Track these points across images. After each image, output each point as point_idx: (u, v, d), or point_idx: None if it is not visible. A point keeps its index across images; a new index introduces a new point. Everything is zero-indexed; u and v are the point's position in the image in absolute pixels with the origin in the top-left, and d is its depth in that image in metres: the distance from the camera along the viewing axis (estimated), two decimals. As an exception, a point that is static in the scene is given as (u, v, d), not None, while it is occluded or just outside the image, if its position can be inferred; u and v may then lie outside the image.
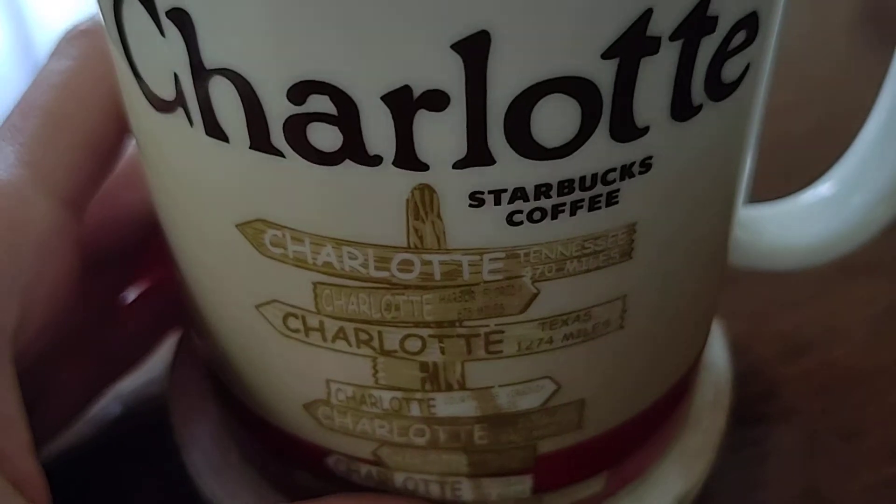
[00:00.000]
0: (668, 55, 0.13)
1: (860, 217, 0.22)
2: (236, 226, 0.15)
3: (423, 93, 0.12)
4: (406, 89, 0.12)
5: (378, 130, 0.13)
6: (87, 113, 0.19)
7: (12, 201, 0.18)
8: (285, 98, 0.13)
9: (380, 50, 0.12)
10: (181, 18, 0.13)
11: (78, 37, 0.20)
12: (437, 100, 0.13)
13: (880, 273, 0.28)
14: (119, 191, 0.21)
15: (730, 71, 0.14)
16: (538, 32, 0.12)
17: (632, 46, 0.13)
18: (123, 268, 0.23)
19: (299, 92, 0.13)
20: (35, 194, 0.18)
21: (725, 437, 0.23)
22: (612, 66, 0.13)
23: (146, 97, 0.15)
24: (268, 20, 0.12)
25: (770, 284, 0.27)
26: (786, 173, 0.25)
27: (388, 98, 0.13)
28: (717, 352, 0.25)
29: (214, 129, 0.14)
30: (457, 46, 0.12)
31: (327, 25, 0.12)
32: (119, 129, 0.19)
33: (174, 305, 0.24)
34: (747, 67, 0.15)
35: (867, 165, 0.22)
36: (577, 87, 0.13)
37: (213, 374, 0.21)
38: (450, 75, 0.12)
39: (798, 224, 0.23)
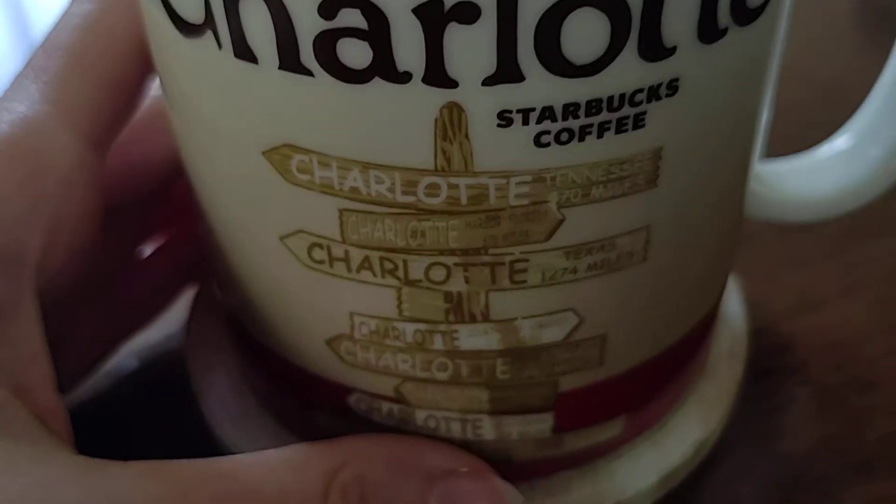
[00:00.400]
0: (693, -12, 0.13)
1: (876, 169, 0.22)
2: (262, 153, 0.15)
3: (454, 5, 0.13)
4: (437, 2, 0.13)
5: (408, 45, 0.13)
6: (110, 52, 0.19)
7: (35, 136, 0.18)
8: (316, 13, 0.13)
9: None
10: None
11: None
12: (467, 12, 0.13)
13: (893, 232, 0.28)
14: (139, 138, 0.21)
15: (755, -4, 0.14)
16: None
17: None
18: (142, 218, 0.24)
19: (330, 6, 0.13)
20: (58, 130, 0.18)
21: (741, 387, 0.23)
22: (641, -15, 0.13)
23: (173, 22, 0.15)
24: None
25: (785, 243, 0.28)
26: (801, 130, 0.25)
27: (419, 10, 0.13)
28: (734, 306, 0.25)
29: (244, 51, 0.14)
30: (489, -45, 0.12)
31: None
32: (142, 69, 0.19)
33: (192, 260, 0.24)
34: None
35: (882, 118, 0.22)
36: (606, 1, 0.13)
37: (232, 323, 0.21)
38: (482, -12, 0.12)
39: (814, 177, 0.23)
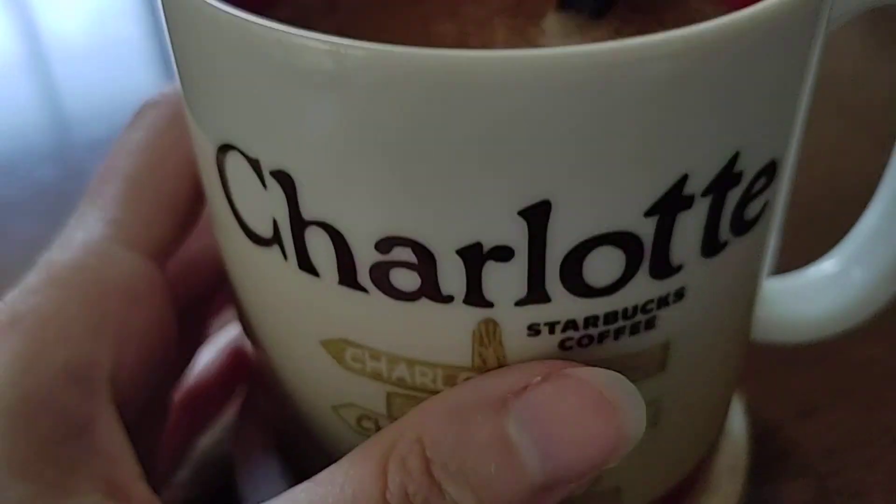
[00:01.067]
0: (700, 208, 0.15)
1: (864, 293, 0.24)
2: (320, 342, 0.17)
3: (492, 248, 0.15)
4: (477, 245, 0.15)
5: (452, 276, 0.15)
6: (162, 174, 0.21)
7: (96, 257, 0.19)
8: (373, 248, 0.15)
9: (457, 215, 0.14)
10: (284, 178, 0.15)
11: (148, 109, 0.22)
12: (503, 253, 0.15)
13: (886, 335, 0.30)
14: (200, 238, 0.22)
15: (752, 210, 0.16)
16: (591, 200, 0.14)
17: (670, 205, 0.15)
18: (200, 320, 0.25)
19: (385, 244, 0.15)
20: (117, 249, 0.20)
21: (742, 498, 0.25)
22: (652, 221, 0.15)
23: (243, 231, 0.17)
24: (363, 187, 0.15)
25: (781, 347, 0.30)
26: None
27: (461, 252, 0.15)
28: (736, 418, 0.27)
29: (307, 266, 0.16)
30: (522, 213, 0.14)
31: (414, 194, 0.14)
32: (195, 189, 0.20)
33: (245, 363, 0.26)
34: (766, 204, 0.17)
35: (869, 245, 0.24)
36: (622, 240, 0.15)
37: (277, 434, 0.23)
38: (515, 235, 0.14)
39: (805, 299, 0.25)
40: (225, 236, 0.18)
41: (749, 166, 0.15)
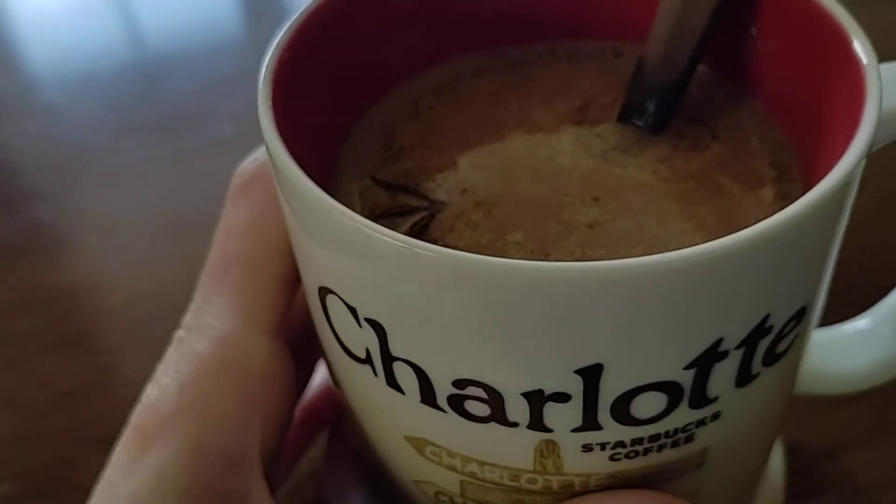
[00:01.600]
0: (734, 357, 0.18)
1: (893, 351, 0.26)
2: (404, 436, 0.20)
3: (552, 393, 0.17)
4: (539, 391, 0.17)
5: (517, 410, 0.18)
6: (275, 255, 0.23)
7: (235, 349, 0.22)
8: (450, 384, 0.18)
9: (522, 371, 0.17)
10: (376, 325, 0.18)
11: (249, 185, 0.24)
12: (561, 397, 0.17)
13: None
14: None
15: (782, 346, 0.19)
16: (636, 363, 0.17)
17: (707, 359, 0.17)
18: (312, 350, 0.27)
19: (461, 384, 0.18)
20: (251, 337, 0.22)
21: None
22: (691, 372, 0.17)
23: (341, 347, 0.20)
24: (443, 346, 0.17)
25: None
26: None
27: (525, 394, 0.17)
28: (775, 459, 0.29)
29: (394, 385, 0.19)
30: (578, 371, 0.17)
31: (485, 355, 0.17)
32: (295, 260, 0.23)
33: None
34: (797, 336, 0.19)
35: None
36: (664, 386, 0.17)
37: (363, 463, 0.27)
38: (572, 386, 0.17)
39: (842, 353, 0.27)
40: (324, 340, 0.21)
41: (779, 319, 0.18)
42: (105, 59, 0.51)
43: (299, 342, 0.25)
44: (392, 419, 0.20)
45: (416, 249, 0.16)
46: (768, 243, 0.16)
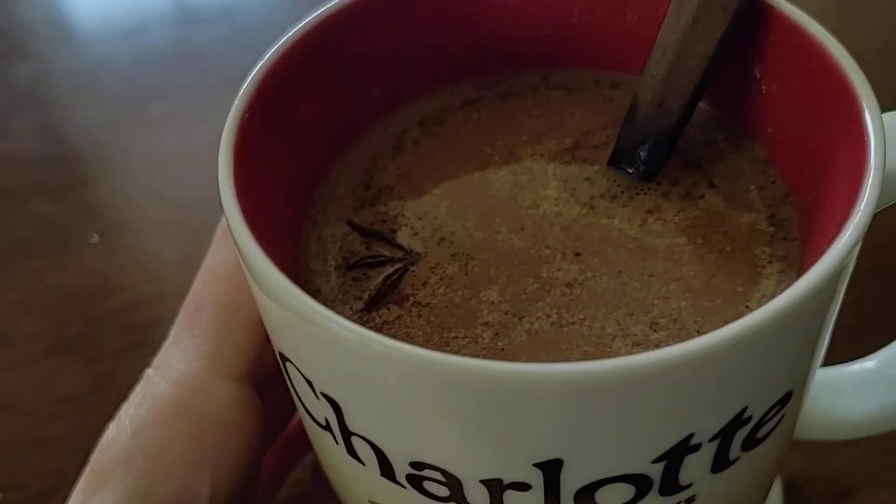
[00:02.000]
0: (708, 448, 0.16)
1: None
2: (368, 500, 0.20)
3: (512, 482, 0.16)
4: (498, 480, 0.16)
5: (476, 495, 0.17)
6: (251, 300, 0.22)
7: (195, 393, 0.22)
8: (408, 465, 0.17)
9: (480, 460, 0.16)
10: (332, 401, 0.17)
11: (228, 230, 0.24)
12: (521, 486, 0.16)
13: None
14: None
15: (763, 431, 0.17)
16: (600, 459, 0.16)
17: (677, 453, 0.16)
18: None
19: (418, 465, 0.17)
20: (214, 382, 0.22)
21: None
22: (660, 465, 0.16)
23: (304, 409, 0.19)
24: (399, 429, 0.16)
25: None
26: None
27: (484, 482, 0.17)
28: (773, 496, 0.28)
29: (354, 455, 0.18)
30: (537, 465, 0.16)
31: (442, 443, 0.16)
32: None
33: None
34: (782, 418, 0.18)
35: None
36: (631, 479, 0.16)
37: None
38: (532, 478, 0.16)
39: (845, 398, 0.25)
40: (293, 395, 0.21)
41: (759, 410, 0.16)
42: (118, 48, 0.51)
43: (275, 385, 0.24)
44: (355, 483, 0.20)
45: (369, 342, 0.15)
46: (747, 343, 0.15)
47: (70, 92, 0.48)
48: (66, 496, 0.33)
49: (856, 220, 0.15)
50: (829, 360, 0.25)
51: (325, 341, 0.16)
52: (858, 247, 0.16)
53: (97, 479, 0.21)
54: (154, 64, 0.49)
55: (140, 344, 0.37)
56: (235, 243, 0.17)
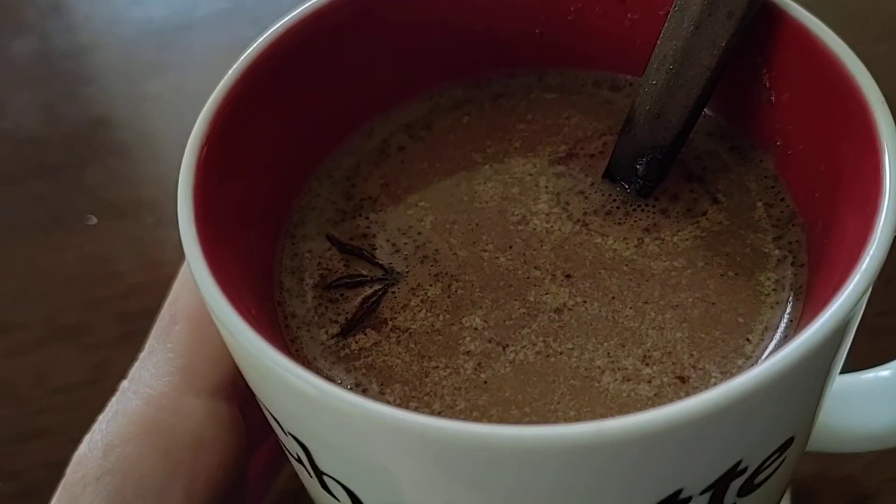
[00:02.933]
0: (700, 500, 0.15)
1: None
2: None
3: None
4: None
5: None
6: None
7: (165, 412, 0.21)
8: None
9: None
10: (299, 441, 0.16)
11: None
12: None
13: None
14: None
15: (762, 476, 0.16)
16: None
17: (664, 507, 0.15)
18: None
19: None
20: (185, 400, 0.21)
21: None
22: (646, 520, 0.15)
23: (280, 439, 0.18)
24: (369, 477, 0.16)
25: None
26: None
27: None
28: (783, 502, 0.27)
29: (328, 491, 0.17)
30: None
31: (415, 495, 0.15)
32: None
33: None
34: (782, 462, 0.17)
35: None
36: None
37: None
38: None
39: (861, 406, 0.24)
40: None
41: (755, 460, 0.15)
42: (115, 23, 0.49)
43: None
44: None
45: (326, 397, 0.14)
46: (737, 405, 0.13)
47: (67, 69, 0.47)
48: (59, 489, 0.33)
49: (864, 267, 0.14)
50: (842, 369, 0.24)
51: (285, 391, 0.15)
52: (869, 292, 0.14)
53: (70, 497, 0.21)
54: (152, 39, 0.47)
55: (136, 332, 0.36)
56: (195, 281, 0.16)
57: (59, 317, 0.37)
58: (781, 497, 0.20)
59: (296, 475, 0.30)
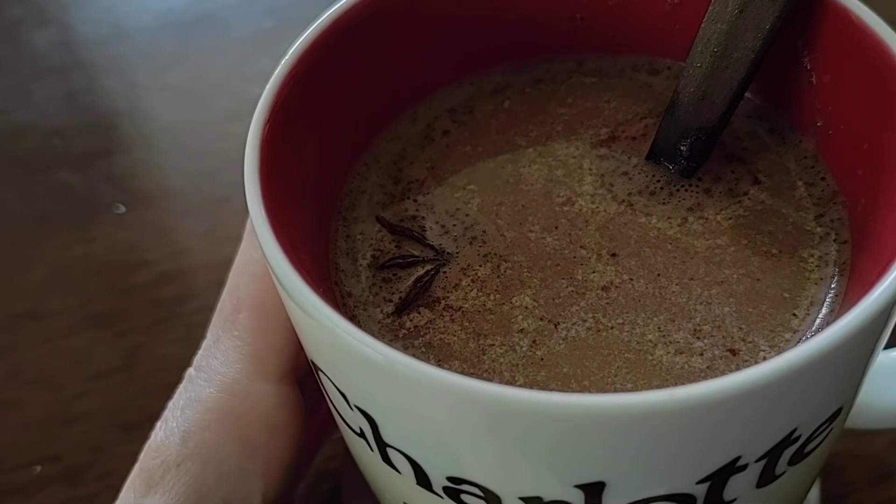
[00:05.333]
0: (754, 468, 0.16)
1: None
2: (403, 502, 0.20)
3: (552, 501, 0.16)
4: (538, 498, 0.16)
5: (515, 510, 0.17)
6: None
7: (240, 398, 0.22)
8: (445, 479, 0.17)
9: (520, 481, 0.16)
10: (366, 413, 0.17)
11: None
12: (563, 502, 0.16)
13: None
14: None
15: (811, 446, 0.17)
16: (643, 482, 0.15)
17: (722, 474, 0.16)
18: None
19: (455, 480, 0.17)
20: (257, 384, 0.22)
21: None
22: (705, 485, 0.16)
23: (339, 415, 0.19)
24: (435, 444, 0.16)
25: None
26: None
27: (524, 499, 0.16)
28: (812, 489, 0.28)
29: (389, 464, 0.18)
30: (579, 486, 0.15)
31: (480, 460, 0.16)
32: None
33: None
34: (830, 432, 0.17)
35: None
36: (675, 497, 0.16)
37: None
38: (573, 497, 0.16)
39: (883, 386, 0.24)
40: (326, 398, 0.20)
41: (807, 429, 0.16)
42: (135, 13, 0.49)
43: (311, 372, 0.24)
44: (391, 485, 0.20)
45: (397, 366, 0.15)
46: (798, 374, 0.14)
47: (90, 59, 0.47)
48: (100, 470, 0.34)
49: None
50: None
51: (356, 360, 0.15)
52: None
53: (147, 482, 0.21)
54: (172, 28, 0.48)
55: (168, 318, 0.37)
56: (265, 257, 0.17)
57: (92, 304, 0.37)
58: (821, 469, 0.20)
59: (332, 457, 0.31)
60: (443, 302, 0.19)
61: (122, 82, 0.46)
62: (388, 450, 0.17)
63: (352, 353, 0.15)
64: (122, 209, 0.40)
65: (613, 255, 0.19)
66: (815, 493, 0.27)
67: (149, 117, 0.45)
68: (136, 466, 0.22)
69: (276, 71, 0.19)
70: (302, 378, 0.23)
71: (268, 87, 0.19)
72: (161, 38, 0.48)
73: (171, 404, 0.22)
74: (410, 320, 0.19)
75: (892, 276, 0.15)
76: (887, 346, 0.24)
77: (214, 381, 0.22)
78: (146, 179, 0.42)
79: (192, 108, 0.44)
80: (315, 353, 0.18)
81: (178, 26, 0.48)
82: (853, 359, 0.16)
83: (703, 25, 0.19)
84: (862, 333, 0.15)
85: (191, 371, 0.22)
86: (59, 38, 0.49)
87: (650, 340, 0.18)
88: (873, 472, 0.29)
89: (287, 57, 0.19)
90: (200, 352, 0.23)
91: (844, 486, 0.28)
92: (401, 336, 0.19)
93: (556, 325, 0.18)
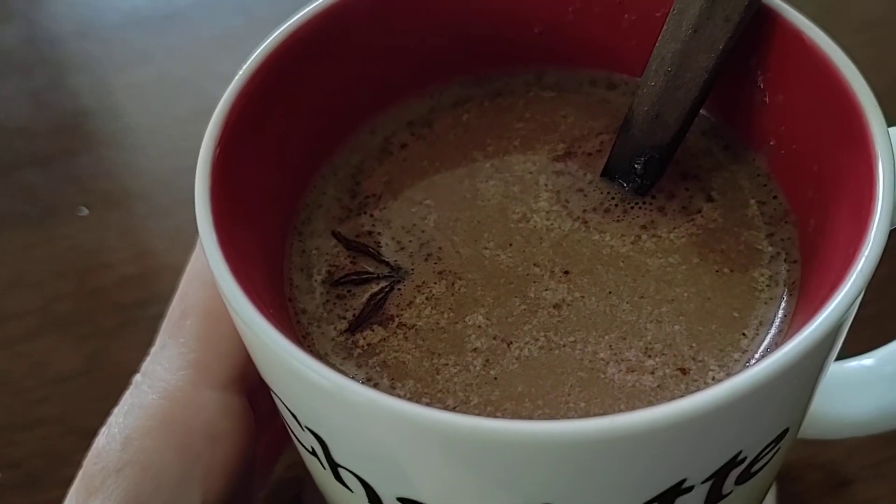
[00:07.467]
0: (701, 489, 0.16)
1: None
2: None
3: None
4: None
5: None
6: None
7: (181, 405, 0.22)
8: (396, 500, 0.17)
9: (471, 502, 0.16)
10: (316, 434, 0.17)
11: None
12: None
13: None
14: None
15: (759, 465, 0.17)
16: (589, 502, 0.15)
17: (668, 496, 0.16)
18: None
19: (406, 502, 0.17)
20: (200, 391, 0.22)
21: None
22: (649, 507, 0.16)
23: (292, 433, 0.19)
24: (384, 467, 0.16)
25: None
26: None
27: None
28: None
29: (341, 482, 0.18)
30: (524, 509, 0.16)
31: (427, 483, 0.16)
32: None
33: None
34: (777, 451, 0.17)
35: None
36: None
37: None
38: (519, 520, 0.16)
39: (844, 394, 0.25)
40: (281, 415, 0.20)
41: (753, 450, 0.16)
42: (101, 10, 0.49)
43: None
44: (344, 502, 0.20)
45: (346, 392, 0.15)
46: (739, 402, 0.14)
47: (54, 56, 0.47)
48: (60, 477, 0.33)
49: (860, 268, 0.15)
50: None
51: (306, 385, 0.15)
52: (862, 293, 0.15)
53: (88, 488, 0.21)
54: (139, 26, 0.47)
55: (131, 322, 0.36)
56: (213, 276, 0.17)
57: (54, 307, 0.37)
58: (772, 484, 0.21)
59: (293, 465, 0.31)
60: (397, 320, 0.19)
61: (87, 80, 0.46)
62: (340, 469, 0.17)
63: (301, 378, 0.15)
64: (86, 212, 0.40)
65: (566, 272, 0.19)
66: (770, 502, 0.28)
67: (114, 116, 0.44)
68: (80, 472, 0.22)
69: (230, 87, 0.19)
70: (256, 386, 0.23)
71: (219, 105, 0.19)
72: (128, 36, 0.47)
73: (115, 410, 0.22)
74: (364, 338, 0.19)
75: (838, 298, 0.15)
76: (838, 358, 0.25)
77: (157, 387, 0.22)
78: (110, 180, 0.42)
79: (158, 107, 0.44)
80: (265, 373, 0.18)
81: (145, 24, 0.48)
82: (799, 382, 0.16)
83: (657, 44, 0.19)
84: (808, 358, 0.15)
85: (137, 377, 0.22)
86: (24, 34, 0.48)
87: (602, 359, 0.18)
88: (829, 480, 0.29)
89: (240, 73, 0.19)
90: (148, 358, 0.23)
91: (802, 494, 0.29)
92: (354, 355, 0.19)
93: (509, 345, 0.18)
